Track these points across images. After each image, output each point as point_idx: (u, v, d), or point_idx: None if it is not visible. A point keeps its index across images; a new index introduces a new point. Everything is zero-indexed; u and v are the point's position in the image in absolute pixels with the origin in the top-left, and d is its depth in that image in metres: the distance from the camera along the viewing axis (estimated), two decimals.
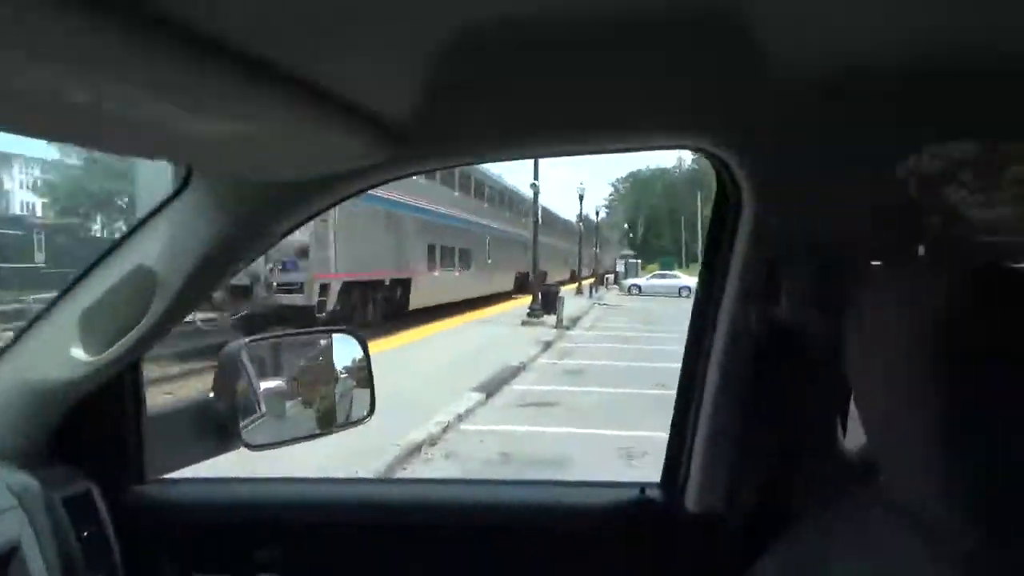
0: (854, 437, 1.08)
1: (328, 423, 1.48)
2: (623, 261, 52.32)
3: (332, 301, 11.11)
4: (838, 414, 1.12)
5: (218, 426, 1.30)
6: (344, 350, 1.54)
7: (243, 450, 1.32)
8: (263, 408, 1.40)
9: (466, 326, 16.45)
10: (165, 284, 1.04)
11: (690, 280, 37.51)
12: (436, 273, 15.43)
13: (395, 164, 1.01)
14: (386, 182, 1.09)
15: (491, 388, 8.86)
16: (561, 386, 9.48)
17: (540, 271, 20.54)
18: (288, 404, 1.45)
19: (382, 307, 13.00)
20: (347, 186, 1.07)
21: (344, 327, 1.59)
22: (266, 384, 1.42)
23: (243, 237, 1.06)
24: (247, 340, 1.38)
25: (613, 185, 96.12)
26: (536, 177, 19.59)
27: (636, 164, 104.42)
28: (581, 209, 35.19)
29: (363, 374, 1.54)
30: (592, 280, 38.00)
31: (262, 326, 9.64)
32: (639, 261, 55.93)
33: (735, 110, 0.94)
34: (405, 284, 13.76)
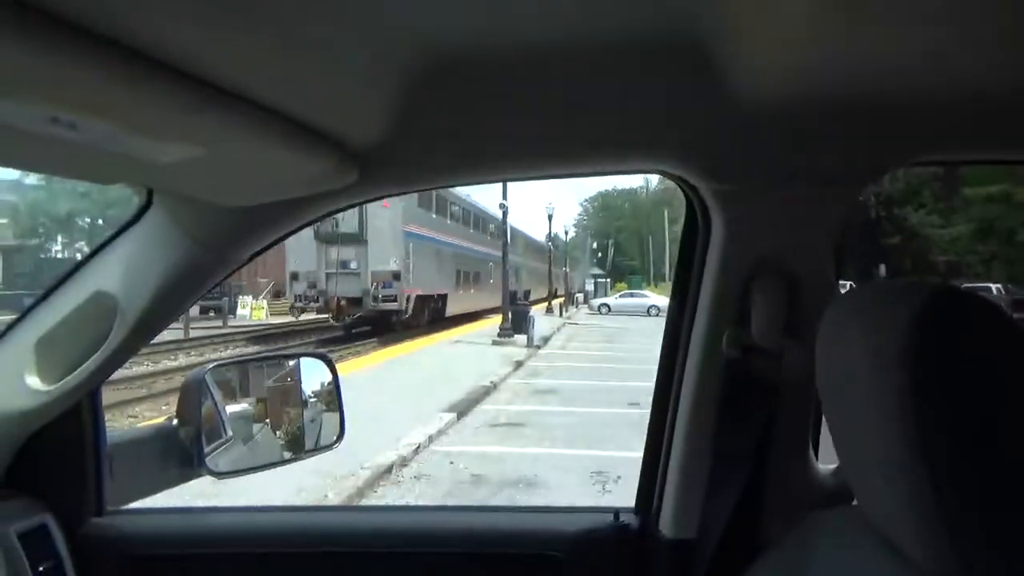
0: (827, 460, 1.08)
1: (296, 449, 1.44)
2: (592, 280, 52.63)
3: (410, 308, 17.57)
4: (811, 437, 1.12)
5: (182, 453, 1.27)
6: (312, 374, 1.51)
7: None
8: (229, 433, 1.37)
9: (438, 346, 16.37)
10: (125, 310, 1.01)
11: (658, 299, 37.85)
12: (461, 291, 22.06)
13: (359, 188, 0.99)
14: (351, 206, 1.07)
15: (462, 408, 8.81)
16: (533, 405, 9.46)
17: (524, 290, 29.12)
18: (255, 428, 1.42)
19: (431, 313, 19.48)
20: (311, 210, 1.05)
21: (312, 351, 1.57)
22: (232, 408, 1.39)
23: (206, 262, 1.03)
24: (212, 364, 1.35)
25: (582, 204, 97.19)
26: (505, 196, 19.78)
27: (605, 184, 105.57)
28: (550, 229, 35.52)
29: (332, 398, 1.51)
30: (562, 299, 38.16)
31: (370, 323, 16.73)
32: (608, 280, 56.29)
33: (702, 135, 0.95)
34: (444, 298, 20.41)
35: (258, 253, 1.10)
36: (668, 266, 57.79)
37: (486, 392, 10.12)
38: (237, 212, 1.00)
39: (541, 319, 24.58)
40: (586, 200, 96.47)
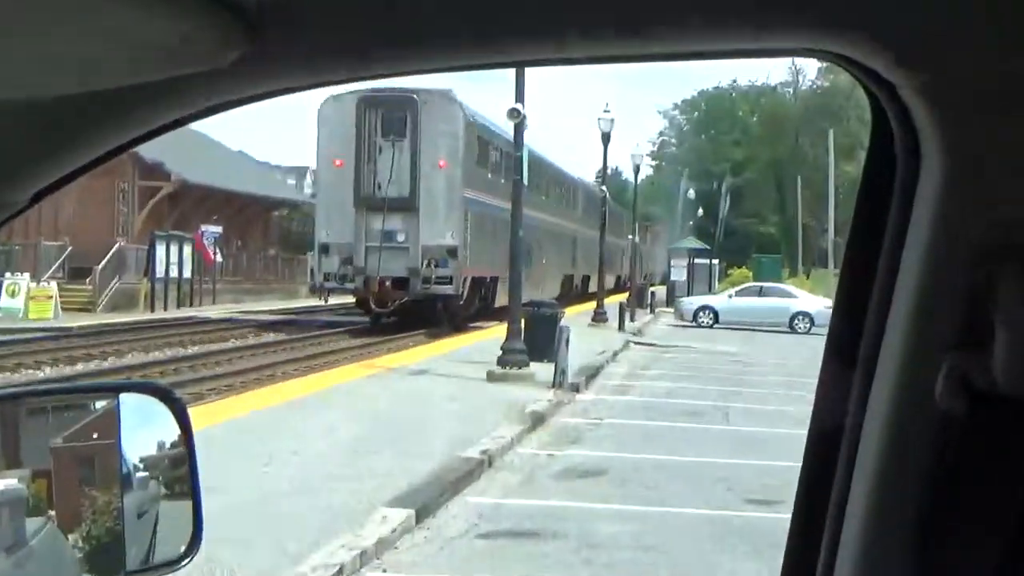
0: None
1: (108, 567, 1.46)
2: (685, 259, 52.13)
3: (465, 293, 26.93)
4: None
5: None
6: (142, 425, 1.52)
7: None
8: None
9: (386, 378, 16.38)
10: None
11: (812, 301, 37.59)
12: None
13: (250, 71, 1.01)
14: (225, 107, 1.10)
15: (426, 500, 8.85)
16: (561, 499, 9.49)
17: (581, 275, 40.94)
18: (31, 526, 1.44)
19: (480, 302, 28.51)
20: (160, 110, 1.06)
21: (145, 381, 1.59)
22: None
23: None
24: None
25: (668, 115, 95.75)
26: (520, 96, 19.71)
27: (709, 76, 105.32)
28: (605, 159, 35.20)
29: (180, 473, 1.52)
30: (626, 296, 37.98)
31: (419, 312, 26.40)
32: (715, 262, 55.64)
33: None
34: (495, 282, 29.65)
35: (50, 190, 1.12)
36: (832, 236, 57.71)
37: (472, 470, 10.16)
38: (14, 111, 1.01)
39: (582, 333, 24.51)
40: (676, 107, 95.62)
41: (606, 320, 32.13)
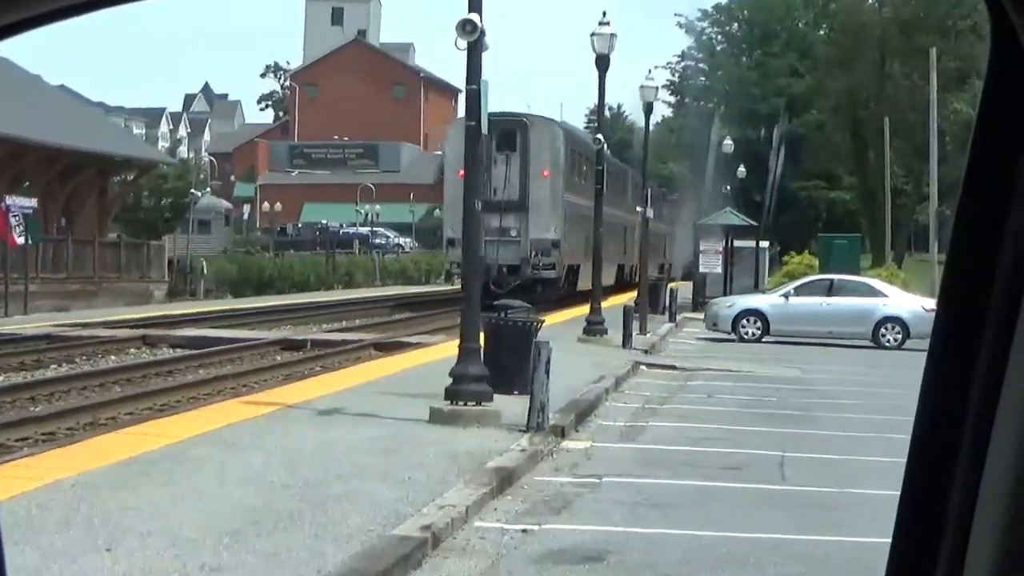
0: None
1: None
2: (718, 243, 52.33)
3: (563, 275, 57.06)
4: None
5: None
6: None
7: None
8: None
9: (298, 417, 16.35)
10: None
11: (907, 301, 37.65)
12: (590, 263, 46.51)
13: None
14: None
15: None
16: None
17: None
18: None
19: (567, 287, 56.72)
20: None
21: None
22: None
23: None
24: None
25: (691, 29, 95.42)
26: (475, 4, 19.83)
27: None
28: (602, 93, 35.36)
29: None
30: (633, 297, 38.20)
31: (530, 291, 50.58)
32: (764, 245, 55.69)
33: None
34: (577, 270, 57.77)
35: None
36: (936, 204, 58.26)
37: (409, 554, 10.15)
38: None
39: (570, 351, 24.43)
40: (705, 16, 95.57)
41: (604, 333, 32.18)
